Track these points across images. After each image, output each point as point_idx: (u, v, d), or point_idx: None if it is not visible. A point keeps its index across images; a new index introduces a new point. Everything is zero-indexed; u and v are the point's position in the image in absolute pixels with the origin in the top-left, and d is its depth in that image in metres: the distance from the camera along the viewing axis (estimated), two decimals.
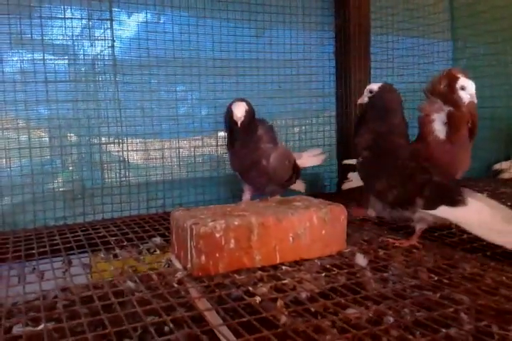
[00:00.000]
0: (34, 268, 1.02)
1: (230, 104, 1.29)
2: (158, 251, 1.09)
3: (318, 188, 1.84)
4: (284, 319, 0.75)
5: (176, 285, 0.86)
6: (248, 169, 1.36)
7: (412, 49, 1.88)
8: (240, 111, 1.26)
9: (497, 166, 2.00)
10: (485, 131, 1.89)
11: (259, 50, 1.68)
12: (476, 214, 0.97)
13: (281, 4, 1.70)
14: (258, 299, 0.78)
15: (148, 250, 1.11)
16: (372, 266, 0.94)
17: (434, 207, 1.00)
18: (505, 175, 1.91)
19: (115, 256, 1.08)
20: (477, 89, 1.92)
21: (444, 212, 0.99)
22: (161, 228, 1.27)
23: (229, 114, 1.28)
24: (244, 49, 1.65)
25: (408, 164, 1.04)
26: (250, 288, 0.83)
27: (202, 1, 1.57)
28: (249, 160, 1.33)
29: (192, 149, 1.60)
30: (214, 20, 1.61)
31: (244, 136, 1.31)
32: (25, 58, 1.37)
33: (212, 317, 0.75)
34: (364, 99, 1.13)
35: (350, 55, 1.73)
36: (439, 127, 1.10)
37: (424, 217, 1.04)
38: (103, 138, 1.48)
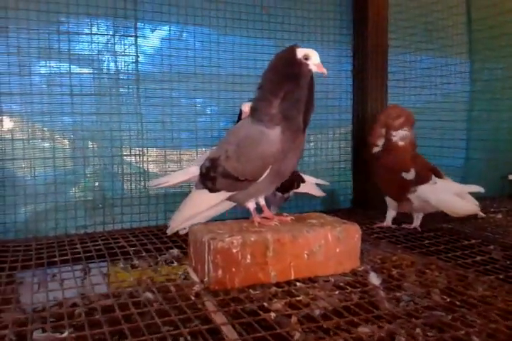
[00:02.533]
0: (54, 276, 1.05)
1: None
2: (175, 263, 1.11)
3: (333, 204, 1.86)
4: (297, 335, 0.77)
5: (193, 297, 0.88)
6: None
7: (429, 69, 1.91)
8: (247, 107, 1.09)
9: None
10: (504, 143, 1.91)
11: None
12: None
13: (300, 23, 1.74)
14: (273, 315, 0.79)
15: (165, 261, 1.14)
16: (385, 285, 0.95)
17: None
18: None
19: (134, 266, 1.11)
20: (495, 109, 1.95)
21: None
22: (178, 240, 1.29)
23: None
24: (263, 66, 1.66)
25: None
26: (265, 304, 0.85)
27: (224, 19, 1.62)
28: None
29: None
30: (235, 37, 1.65)
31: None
32: (53, 71, 1.43)
33: (229, 332, 0.77)
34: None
35: (367, 74, 1.76)
36: None
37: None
38: (124, 150, 1.53)
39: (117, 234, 1.39)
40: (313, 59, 0.96)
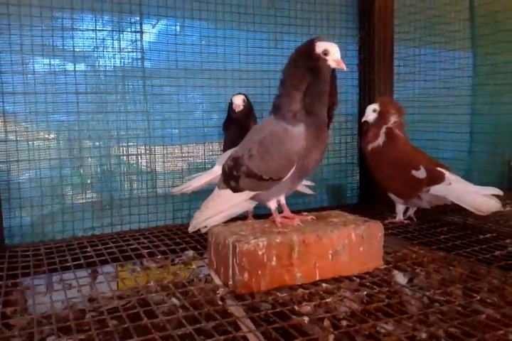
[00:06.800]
0: (69, 281, 1.02)
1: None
2: (193, 265, 1.09)
3: (339, 199, 1.84)
4: (331, 338, 0.75)
5: (220, 302, 0.86)
6: None
7: (433, 62, 1.89)
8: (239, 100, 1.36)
9: None
10: (506, 136, 1.91)
11: (284, 62, 1.67)
12: None
13: (306, 17, 1.71)
14: (306, 319, 0.78)
15: (183, 263, 1.12)
16: (411, 284, 0.94)
17: None
18: None
19: (151, 269, 1.09)
20: (497, 102, 1.94)
21: None
22: (191, 240, 1.27)
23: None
24: (270, 61, 1.66)
25: None
26: (296, 307, 0.83)
27: (229, 14, 1.58)
28: None
29: None
30: (241, 32, 1.62)
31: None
32: (57, 70, 1.38)
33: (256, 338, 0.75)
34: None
35: (373, 68, 1.74)
36: None
37: None
38: (131, 149, 1.49)
39: (127, 235, 1.36)
40: (332, 54, 0.94)
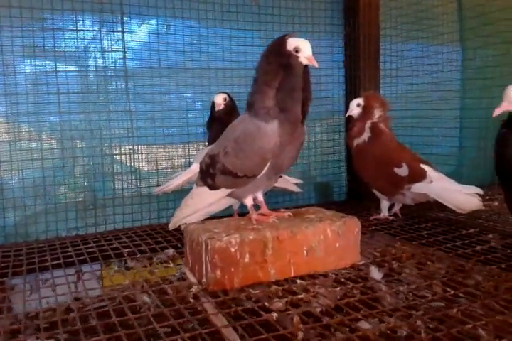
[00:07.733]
0: (46, 281, 1.02)
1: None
2: (171, 264, 1.09)
3: (327, 197, 1.84)
4: (300, 335, 0.75)
5: (191, 300, 0.86)
6: None
7: (421, 57, 1.88)
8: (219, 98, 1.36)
9: None
10: (494, 131, 1.89)
11: None
12: None
13: (290, 14, 1.71)
14: (275, 315, 0.77)
15: (160, 262, 1.11)
16: (387, 279, 0.94)
17: None
18: None
19: (128, 268, 1.09)
20: (486, 96, 1.93)
21: None
22: (173, 239, 1.27)
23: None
24: (254, 58, 1.64)
25: None
26: (266, 303, 0.82)
27: (212, 12, 1.58)
28: None
29: None
30: (224, 30, 1.62)
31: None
32: (38, 70, 1.39)
33: (230, 334, 0.75)
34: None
35: (359, 64, 1.73)
36: None
37: None
38: (114, 149, 1.49)
39: (110, 235, 1.36)
40: (303, 51, 0.92)
